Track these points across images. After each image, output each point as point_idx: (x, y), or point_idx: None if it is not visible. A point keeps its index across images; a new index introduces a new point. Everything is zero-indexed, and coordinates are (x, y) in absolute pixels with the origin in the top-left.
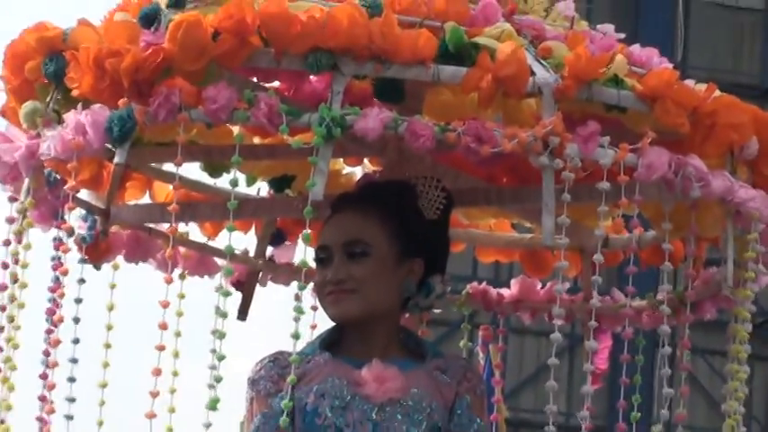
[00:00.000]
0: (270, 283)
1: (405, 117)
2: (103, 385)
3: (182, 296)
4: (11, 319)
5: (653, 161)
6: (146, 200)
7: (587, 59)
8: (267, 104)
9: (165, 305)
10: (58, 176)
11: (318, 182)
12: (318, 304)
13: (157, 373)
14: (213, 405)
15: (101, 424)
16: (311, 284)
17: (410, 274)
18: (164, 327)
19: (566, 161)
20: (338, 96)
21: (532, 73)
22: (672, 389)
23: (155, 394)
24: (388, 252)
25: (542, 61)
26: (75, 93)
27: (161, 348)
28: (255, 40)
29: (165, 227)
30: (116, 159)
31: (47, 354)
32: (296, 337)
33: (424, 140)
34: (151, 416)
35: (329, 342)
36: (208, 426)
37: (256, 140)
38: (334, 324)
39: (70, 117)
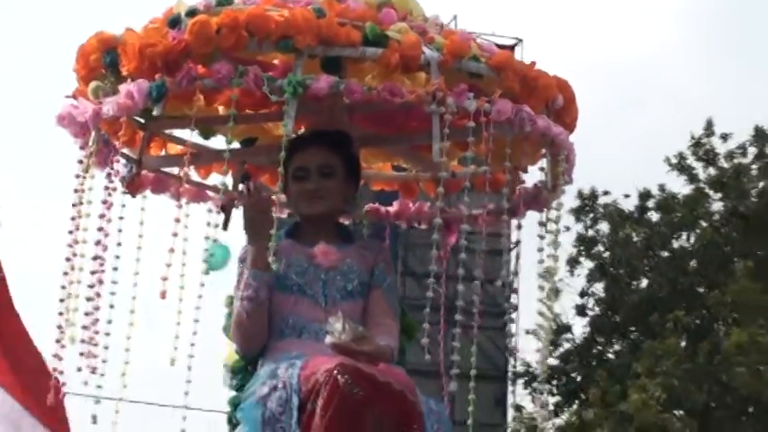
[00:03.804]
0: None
1: (342, 80)
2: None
3: (186, 215)
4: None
5: (501, 108)
6: (162, 153)
7: (458, 43)
8: (254, 74)
9: (178, 220)
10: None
11: (289, 123)
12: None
13: (171, 250)
14: (209, 269)
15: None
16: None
17: (349, 190)
18: (174, 234)
19: (446, 108)
20: (299, 68)
21: (423, 53)
22: None
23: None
24: (343, 175)
25: (429, 45)
26: (124, 73)
27: (171, 251)
28: (244, 33)
29: (174, 170)
30: (155, 112)
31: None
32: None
33: (356, 94)
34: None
35: (291, 232)
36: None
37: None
38: (294, 222)
39: (123, 87)
